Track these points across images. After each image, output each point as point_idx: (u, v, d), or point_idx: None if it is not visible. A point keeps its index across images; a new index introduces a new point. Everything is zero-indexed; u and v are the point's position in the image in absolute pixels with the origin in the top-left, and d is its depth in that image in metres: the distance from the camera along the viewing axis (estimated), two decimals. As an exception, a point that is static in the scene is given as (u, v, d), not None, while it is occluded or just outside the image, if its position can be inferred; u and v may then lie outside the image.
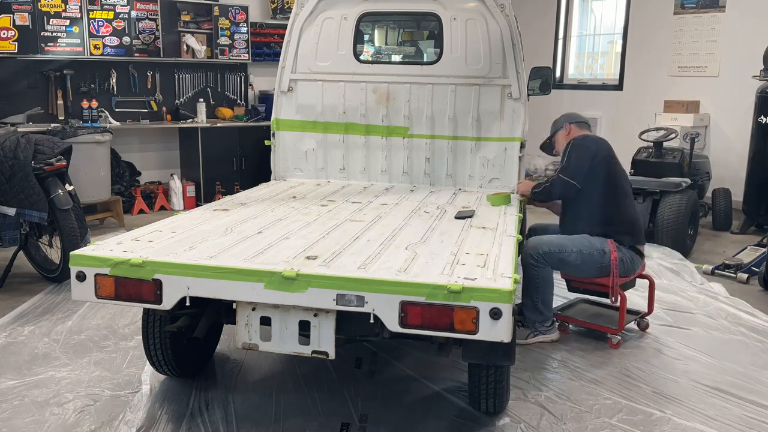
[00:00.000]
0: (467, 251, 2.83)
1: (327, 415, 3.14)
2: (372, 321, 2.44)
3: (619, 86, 9.25)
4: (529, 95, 4.75)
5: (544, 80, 5.14)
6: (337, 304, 2.44)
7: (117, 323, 4.26)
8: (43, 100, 7.35)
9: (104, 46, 7.43)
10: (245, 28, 8.40)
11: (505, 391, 3.10)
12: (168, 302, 2.59)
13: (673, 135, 6.79)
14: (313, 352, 2.57)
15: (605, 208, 3.95)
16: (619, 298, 3.95)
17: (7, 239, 4.93)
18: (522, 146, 4.54)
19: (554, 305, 4.16)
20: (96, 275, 2.62)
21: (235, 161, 8.06)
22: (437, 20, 4.62)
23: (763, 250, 5.67)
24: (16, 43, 6.89)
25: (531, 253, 3.88)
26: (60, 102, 7.37)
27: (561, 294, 4.54)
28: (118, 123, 7.58)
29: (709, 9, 8.20)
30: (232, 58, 8.39)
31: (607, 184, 3.95)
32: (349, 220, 3.47)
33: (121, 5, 7.48)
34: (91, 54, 7.37)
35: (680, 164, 6.58)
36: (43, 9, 6.99)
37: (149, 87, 8.03)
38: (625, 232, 3.97)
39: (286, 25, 4.80)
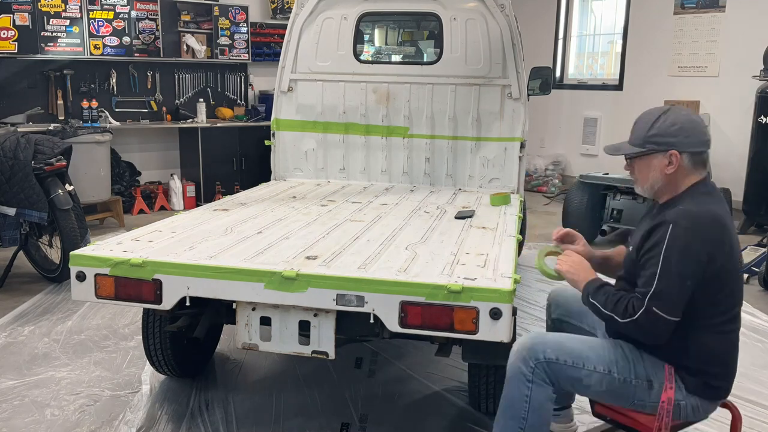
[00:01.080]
0: (467, 251, 2.83)
1: (327, 415, 3.14)
2: (372, 321, 2.44)
3: (619, 86, 9.25)
4: (529, 95, 4.75)
5: (544, 80, 5.15)
6: (337, 304, 2.44)
7: (117, 323, 4.26)
8: (43, 100, 7.34)
9: (104, 46, 7.43)
10: (245, 28, 8.40)
11: (505, 391, 3.10)
12: (168, 302, 2.59)
13: (673, 135, 6.77)
14: (313, 352, 2.57)
15: (691, 333, 2.24)
16: None
17: (7, 239, 4.93)
18: (522, 146, 4.54)
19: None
20: (96, 275, 2.61)
21: (235, 161, 8.06)
22: (437, 20, 4.62)
23: (763, 250, 5.67)
24: (16, 43, 6.89)
25: (525, 355, 2.30)
26: (60, 102, 7.37)
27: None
28: (118, 123, 7.58)
29: (709, 9, 8.20)
30: (232, 58, 8.38)
31: (708, 300, 2.21)
32: (349, 220, 3.47)
33: (121, 5, 7.48)
34: (91, 54, 7.37)
35: (680, 164, 6.57)
36: (43, 9, 6.98)
37: (149, 87, 8.03)
38: (702, 372, 2.26)
39: (286, 25, 4.80)
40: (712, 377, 2.28)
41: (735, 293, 2.29)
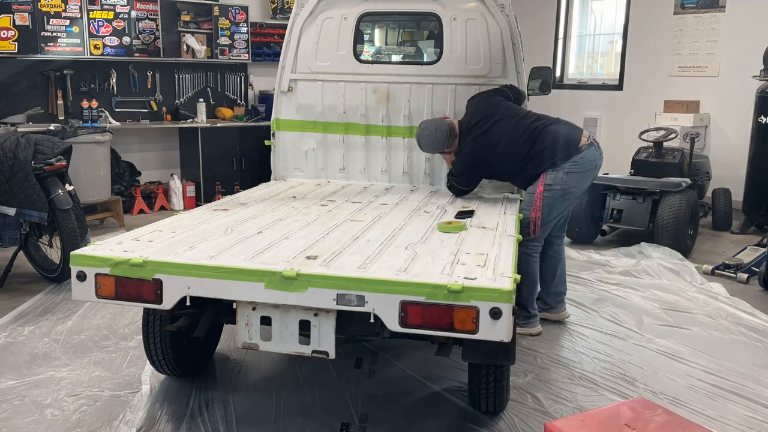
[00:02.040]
0: (467, 251, 2.83)
1: (327, 415, 3.14)
2: (372, 321, 2.44)
3: (619, 86, 9.25)
4: (529, 95, 4.74)
5: (544, 80, 5.13)
6: (337, 303, 2.44)
7: (117, 323, 4.26)
8: (43, 100, 7.35)
9: (104, 46, 7.44)
10: (245, 28, 8.40)
11: (505, 391, 3.10)
12: (168, 302, 2.59)
13: (673, 135, 6.79)
14: (313, 351, 2.57)
15: (514, 169, 4.03)
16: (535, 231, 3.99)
17: (7, 239, 4.93)
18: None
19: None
20: (96, 275, 2.62)
21: (235, 161, 8.06)
22: (437, 20, 4.61)
23: (763, 250, 5.67)
24: (16, 43, 6.90)
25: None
26: (60, 102, 7.38)
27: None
28: (118, 123, 7.58)
29: (709, 9, 8.20)
30: (232, 58, 8.39)
31: (497, 163, 4.03)
32: (349, 219, 3.47)
33: (121, 5, 7.49)
34: (91, 54, 7.38)
35: (680, 164, 6.58)
36: (43, 9, 6.99)
37: (149, 87, 8.04)
38: (545, 159, 3.93)
39: (286, 25, 4.80)
40: (552, 156, 3.92)
41: (510, 148, 3.96)
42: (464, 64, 4.53)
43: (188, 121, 8.08)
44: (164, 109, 8.11)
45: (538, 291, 4.31)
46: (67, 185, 4.96)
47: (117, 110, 7.78)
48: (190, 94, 8.32)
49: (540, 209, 3.95)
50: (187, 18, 8.04)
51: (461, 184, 4.16)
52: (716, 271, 5.53)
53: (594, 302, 4.77)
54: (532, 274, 4.11)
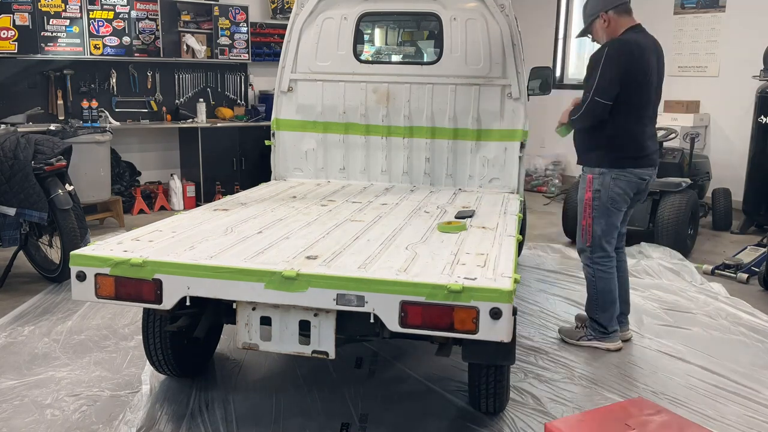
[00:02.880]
0: (467, 251, 2.83)
1: (327, 415, 3.14)
2: (372, 321, 2.44)
3: (619, 86, 9.23)
4: (529, 95, 4.75)
5: (544, 80, 5.14)
6: (337, 303, 2.44)
7: (117, 323, 4.26)
8: (43, 100, 7.35)
9: (104, 46, 7.44)
10: (245, 28, 8.40)
11: (505, 391, 3.10)
12: (168, 302, 2.59)
13: (673, 135, 6.79)
14: (313, 352, 2.57)
15: (613, 117, 3.60)
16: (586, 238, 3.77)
17: (7, 239, 4.93)
18: (522, 146, 4.54)
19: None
20: (96, 275, 2.62)
21: (235, 161, 8.06)
22: (437, 20, 4.62)
23: (763, 250, 5.67)
24: (16, 43, 6.90)
25: (581, 256, 3.90)
26: (60, 102, 7.38)
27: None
28: (118, 123, 7.58)
29: (709, 9, 8.20)
30: (232, 58, 8.39)
31: (625, 98, 3.56)
32: (349, 220, 3.47)
33: (121, 5, 7.48)
34: (91, 54, 7.38)
35: (680, 164, 6.58)
36: (43, 9, 6.99)
37: (149, 87, 8.04)
38: (618, 147, 3.64)
39: (286, 25, 4.81)
40: (624, 149, 3.63)
41: (643, 99, 3.62)
42: (464, 64, 4.54)
43: (188, 121, 8.08)
44: (164, 109, 8.11)
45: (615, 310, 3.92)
46: (67, 185, 4.96)
47: (117, 110, 7.78)
48: (190, 94, 8.32)
49: (591, 216, 3.75)
50: (187, 18, 8.04)
51: (598, 92, 3.53)
52: (716, 271, 5.53)
53: (594, 302, 4.76)
54: (603, 290, 3.83)
